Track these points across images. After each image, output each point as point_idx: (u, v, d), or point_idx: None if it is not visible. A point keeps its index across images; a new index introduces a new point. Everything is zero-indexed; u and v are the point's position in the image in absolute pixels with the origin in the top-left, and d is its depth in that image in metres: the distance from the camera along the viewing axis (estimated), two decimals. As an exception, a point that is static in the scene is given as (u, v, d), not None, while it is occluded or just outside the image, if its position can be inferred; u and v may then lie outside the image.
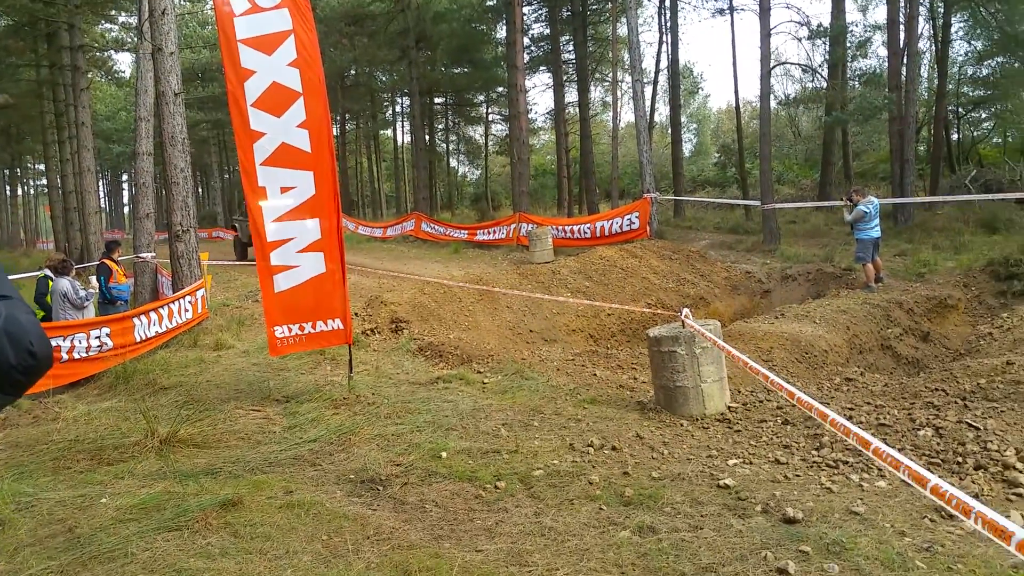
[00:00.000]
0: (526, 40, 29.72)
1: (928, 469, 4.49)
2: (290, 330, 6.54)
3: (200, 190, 58.22)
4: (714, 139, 52.78)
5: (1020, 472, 4.29)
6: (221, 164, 52.06)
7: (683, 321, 6.14)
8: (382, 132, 49.47)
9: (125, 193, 69.35)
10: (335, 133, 37.27)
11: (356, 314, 10.16)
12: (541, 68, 36.27)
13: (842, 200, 13.16)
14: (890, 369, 9.35)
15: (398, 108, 45.92)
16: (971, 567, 3.20)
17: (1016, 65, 21.63)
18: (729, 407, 6.12)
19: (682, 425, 5.77)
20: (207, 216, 47.56)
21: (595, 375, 7.94)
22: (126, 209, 64.52)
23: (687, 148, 49.90)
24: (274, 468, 4.90)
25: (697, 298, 13.40)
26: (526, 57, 28.23)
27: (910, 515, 3.83)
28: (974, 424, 4.97)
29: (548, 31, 32.00)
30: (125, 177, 64.43)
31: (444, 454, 5.01)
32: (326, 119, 6.53)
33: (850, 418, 5.50)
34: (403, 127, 46.79)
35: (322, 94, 6.47)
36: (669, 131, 32.65)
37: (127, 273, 11.43)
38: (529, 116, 29.40)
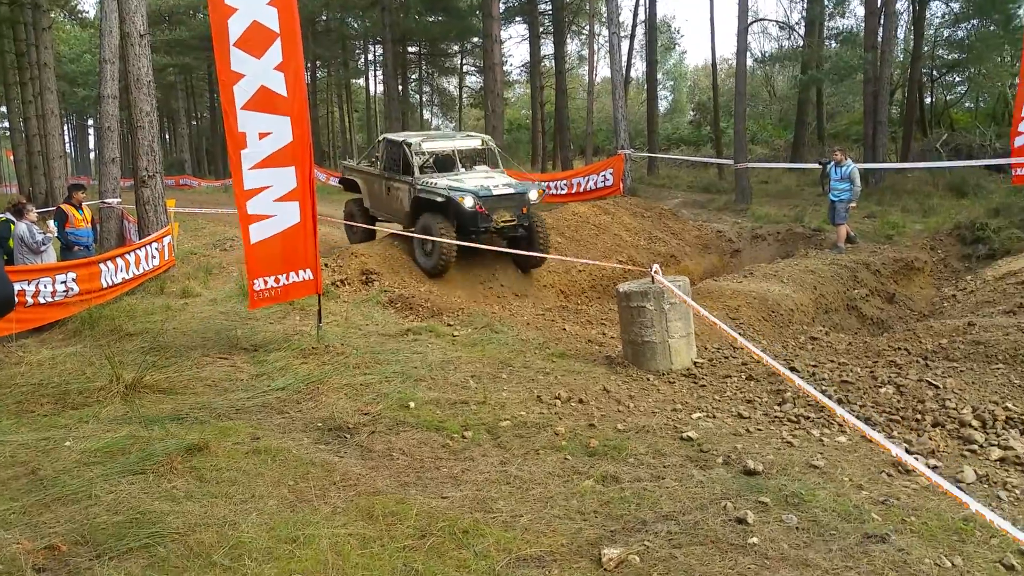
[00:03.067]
0: (501, -12, 29.09)
1: (888, 426, 4.63)
2: (266, 283, 6.45)
3: (167, 136, 56.76)
4: (690, 97, 52.45)
5: (975, 430, 4.42)
6: (189, 110, 50.73)
7: (653, 277, 6.17)
8: (354, 81, 48.43)
9: (91, 138, 67.33)
10: (306, 80, 36.34)
11: (326, 265, 10.07)
12: (517, 18, 35.60)
13: (820, 164, 13.22)
14: (855, 329, 9.53)
15: (370, 56, 44.93)
16: (924, 519, 3.31)
17: (991, 28, 21.68)
18: (695, 363, 6.20)
19: (648, 379, 5.85)
20: (175, 163, 46.52)
21: (565, 330, 7.98)
22: (92, 155, 62.72)
23: (663, 105, 49.59)
24: (241, 415, 4.88)
25: (668, 256, 13.46)
26: (502, 6, 27.65)
27: (868, 469, 3.94)
28: (934, 383, 5.10)
29: (525, -22, 31.38)
30: (91, 122, 62.48)
31: (412, 404, 5.03)
32: (302, 63, 6.39)
33: (813, 375, 5.62)
34: (375, 76, 45.90)
35: (297, 36, 6.33)
36: (645, 87, 32.37)
37: (95, 219, 11.15)
38: (504, 68, 28.97)
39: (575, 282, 12.31)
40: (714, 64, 26.39)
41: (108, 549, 3.01)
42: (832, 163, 12.06)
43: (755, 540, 3.12)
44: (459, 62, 43.43)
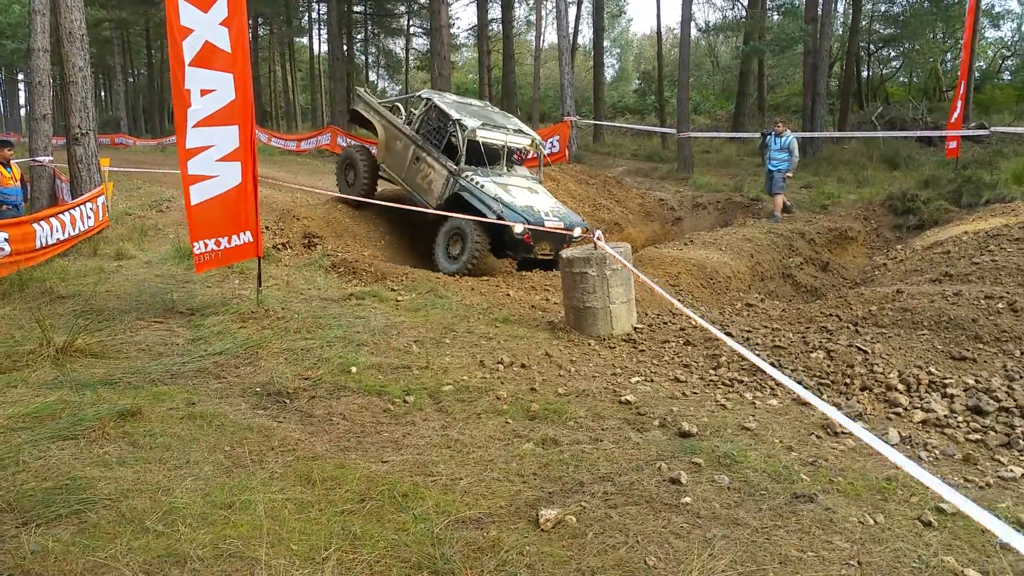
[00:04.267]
0: (450, -52, 28.53)
1: (818, 390, 4.80)
2: (206, 245, 6.26)
3: (102, 94, 54.24)
4: (635, 66, 52.54)
5: (900, 393, 4.61)
6: (125, 67, 48.49)
7: (595, 243, 6.22)
8: (297, 40, 46.99)
9: (22, 94, 63.83)
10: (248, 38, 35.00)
11: (267, 228, 9.86)
12: (465, -20, 34.96)
13: (761, 135, 13.46)
14: (790, 296, 9.81)
15: (314, 15, 43.61)
16: (850, 479, 3.45)
17: (925, 5, 22.25)
18: (635, 328, 6.31)
19: (590, 344, 5.93)
20: (110, 121, 44.57)
21: (509, 295, 8.01)
22: (23, 111, 59.53)
23: (609, 74, 49.61)
24: (176, 380, 4.77)
25: (612, 223, 13.59)
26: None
27: (798, 431, 4.08)
28: (863, 348, 5.29)
29: (474, -61, 30.78)
30: (21, 76, 59.17)
31: (354, 369, 5.00)
32: (245, 19, 6.18)
33: (747, 340, 5.77)
34: (320, 35, 44.61)
35: None
36: (592, 54, 32.29)
37: (24, 178, 10.65)
38: (452, 31, 28.46)
39: (520, 248, 12.32)
40: (659, 33, 26.56)
41: (36, 516, 2.92)
42: (772, 134, 12.31)
43: (688, 500, 3.22)
44: (406, 23, 42.51)
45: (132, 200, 14.03)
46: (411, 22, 42.21)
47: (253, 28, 39.23)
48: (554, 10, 21.93)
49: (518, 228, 9.11)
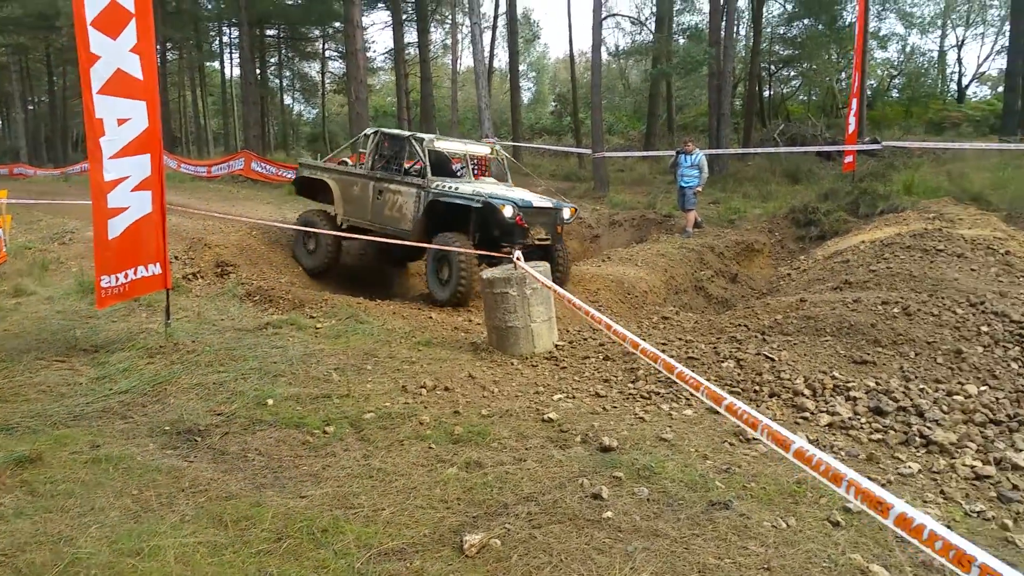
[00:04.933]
0: (363, -27, 28.45)
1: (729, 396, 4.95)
2: (116, 279, 5.99)
3: (0, 123, 51.45)
4: (551, 88, 53.57)
5: (807, 398, 4.81)
6: (24, 94, 46.17)
7: (515, 263, 6.28)
8: (208, 64, 45.82)
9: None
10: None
11: (176, 257, 9.52)
12: (380, 5, 34.93)
13: (676, 153, 13.86)
14: (702, 308, 10.12)
15: (226, 39, 42.66)
16: (762, 484, 3.57)
17: (820, 27, 23.52)
18: (557, 345, 6.39)
19: (512, 364, 5.96)
20: (8, 151, 42.38)
21: (431, 318, 7.98)
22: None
23: (526, 96, 50.34)
24: (79, 421, 4.53)
25: (532, 242, 13.72)
26: (363, -8, 27.08)
27: (712, 440, 4.20)
28: (770, 356, 5.50)
29: (387, -35, 30.86)
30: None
31: (271, 401, 4.86)
32: (154, 45, 6.00)
33: (664, 352, 5.90)
34: (232, 59, 43.66)
35: (151, 16, 5.93)
36: (509, 78, 32.76)
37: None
38: (368, 55, 28.37)
39: (442, 271, 12.29)
40: (572, 57, 27.15)
41: (-80, 579, 2.73)
42: (683, 152, 12.75)
43: (609, 514, 3.26)
44: (321, 47, 42.08)
45: (32, 233, 13.29)
46: (327, 45, 41.82)
47: (162, 53, 38.08)
48: (469, 34, 22.20)
49: (507, 210, 8.64)
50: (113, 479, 3.65)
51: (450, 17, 31.97)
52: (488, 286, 6.35)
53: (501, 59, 41.40)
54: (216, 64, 46.25)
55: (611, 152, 21.08)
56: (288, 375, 5.48)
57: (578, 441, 4.19)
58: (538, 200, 9.38)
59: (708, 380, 5.16)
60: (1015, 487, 3.64)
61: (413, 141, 9.73)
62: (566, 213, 9.61)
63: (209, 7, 38.24)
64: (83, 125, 5.81)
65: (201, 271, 9.48)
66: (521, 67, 35.28)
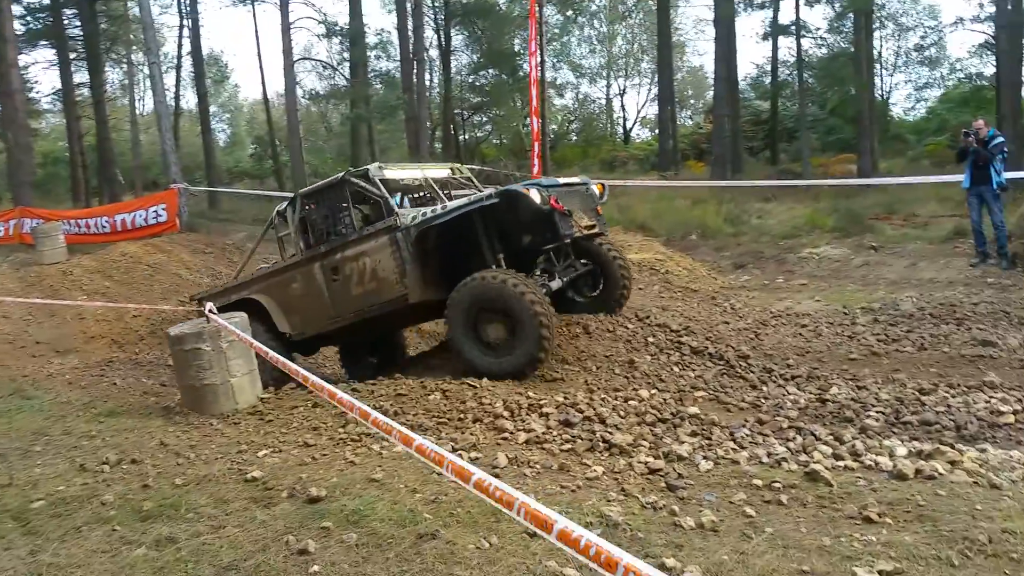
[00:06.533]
0: (19, 8, 25.12)
1: (438, 428, 5.08)
2: None
3: None
4: (249, 131, 51.56)
5: (507, 419, 5.09)
6: None
7: (208, 316, 5.89)
8: None
9: None
10: None
11: None
12: (43, 43, 30.86)
13: None
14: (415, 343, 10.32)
15: None
16: (467, 509, 3.67)
17: (504, 77, 25.62)
18: (261, 398, 6.09)
19: (212, 424, 5.56)
20: None
21: (115, 384, 7.24)
22: None
23: (222, 138, 47.90)
24: None
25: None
26: (19, 27, 23.82)
27: (421, 473, 4.24)
28: (473, 384, 5.77)
29: (49, 0, 27.43)
30: None
31: None
32: None
33: (372, 392, 5.91)
34: None
35: None
36: (199, 120, 30.91)
37: None
38: (31, 96, 24.93)
39: (131, 329, 11.14)
40: (266, 99, 26.49)
41: None
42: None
43: (316, 568, 3.14)
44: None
45: None
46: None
47: None
48: (149, 76, 20.59)
49: (535, 195, 6.02)
50: None
51: (126, 56, 29.33)
52: (177, 343, 5.87)
53: (190, 100, 39.01)
54: None
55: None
56: (-78, 473, 4.55)
57: (284, 497, 3.99)
58: (561, 179, 7.35)
59: (417, 413, 5.29)
60: (680, 475, 4.16)
61: (351, 180, 7.07)
62: (595, 188, 7.39)
63: None
64: None
65: None
66: (212, 108, 33.50)
